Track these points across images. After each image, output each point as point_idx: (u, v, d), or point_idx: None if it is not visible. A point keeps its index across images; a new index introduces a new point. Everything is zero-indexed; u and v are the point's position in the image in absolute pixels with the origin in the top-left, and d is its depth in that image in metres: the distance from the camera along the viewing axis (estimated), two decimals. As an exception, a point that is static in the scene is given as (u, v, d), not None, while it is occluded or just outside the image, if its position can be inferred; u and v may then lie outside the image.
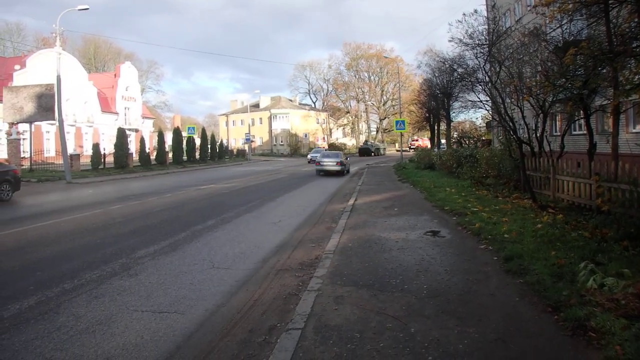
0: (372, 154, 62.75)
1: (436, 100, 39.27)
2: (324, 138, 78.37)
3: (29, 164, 27.87)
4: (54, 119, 28.36)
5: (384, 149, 71.82)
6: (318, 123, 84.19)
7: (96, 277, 6.31)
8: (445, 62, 23.55)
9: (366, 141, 70.01)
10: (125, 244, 8.34)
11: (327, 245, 7.89)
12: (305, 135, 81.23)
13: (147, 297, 5.51)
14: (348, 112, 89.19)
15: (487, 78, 12.73)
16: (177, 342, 4.32)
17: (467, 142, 27.01)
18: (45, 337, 4.40)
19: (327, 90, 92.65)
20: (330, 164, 26.68)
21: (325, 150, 33.38)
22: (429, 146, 70.74)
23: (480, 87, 13.59)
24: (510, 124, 11.50)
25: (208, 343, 4.30)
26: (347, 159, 29.66)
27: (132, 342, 4.31)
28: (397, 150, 61.76)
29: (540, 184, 11.39)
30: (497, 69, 12.67)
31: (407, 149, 74.47)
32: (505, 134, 13.15)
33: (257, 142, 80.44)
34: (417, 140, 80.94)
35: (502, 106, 11.62)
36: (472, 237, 7.93)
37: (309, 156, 30.50)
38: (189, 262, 7.11)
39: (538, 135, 11.93)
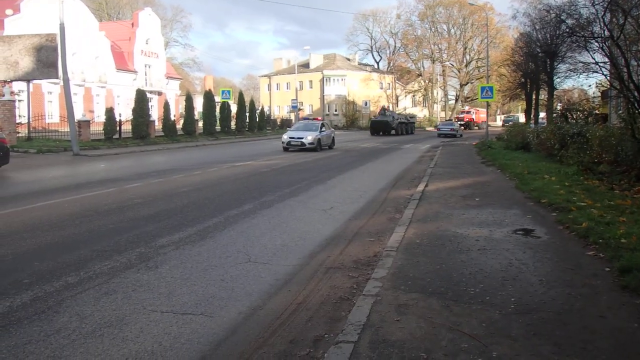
0: (394, 131, 53.67)
1: (535, 62, 38.15)
2: (388, 107, 77.50)
3: (26, 131, 28.66)
4: (57, 77, 28.99)
5: (414, 124, 63.04)
6: (382, 88, 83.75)
7: (107, 269, 6.51)
8: (550, 11, 22.82)
9: (385, 109, 58.78)
10: (144, 230, 8.60)
11: (389, 241, 7.85)
12: (366, 104, 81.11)
13: (169, 295, 5.66)
14: (420, 76, 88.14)
15: (606, 32, 12.22)
16: (203, 351, 4.40)
17: (574, 116, 26.10)
18: (41, 342, 4.49)
19: (395, 47, 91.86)
20: (300, 139, 28.59)
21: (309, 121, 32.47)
22: (484, 120, 68.80)
23: (596, 44, 13.09)
24: (636, 94, 11.02)
25: (240, 354, 4.37)
26: (330, 132, 32.03)
27: (148, 349, 4.40)
28: (436, 128, 60.53)
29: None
30: (622, 20, 12.10)
31: (454, 122, 69.61)
32: (628, 107, 12.61)
33: (306, 111, 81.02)
34: (468, 112, 79.23)
35: (625, 70, 11.15)
36: (576, 239, 7.67)
37: (284, 137, 29.46)
38: (220, 254, 7.26)
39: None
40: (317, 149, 28.74)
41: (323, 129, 30.47)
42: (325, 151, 28.91)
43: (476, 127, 74.39)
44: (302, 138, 28.57)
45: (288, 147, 28.60)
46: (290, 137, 29.03)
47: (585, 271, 6.19)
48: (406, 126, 57.40)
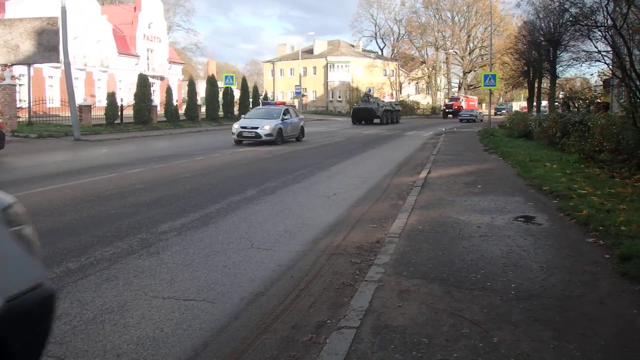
0: (378, 119, 48.94)
1: (539, 50, 38.06)
2: (391, 94, 76.93)
3: (27, 116, 28.48)
4: (58, 61, 28.68)
5: (399, 112, 57.64)
6: (385, 75, 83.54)
7: (108, 255, 6.51)
8: (554, 0, 22.64)
9: (368, 95, 54.17)
10: (146, 216, 8.61)
11: (392, 227, 7.86)
12: (369, 90, 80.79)
13: (170, 281, 5.67)
14: (424, 63, 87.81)
15: (609, 21, 12.16)
16: (205, 337, 4.41)
17: (576, 104, 26.04)
18: (41, 328, 4.54)
19: (399, 34, 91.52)
20: (255, 129, 22.91)
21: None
22: (474, 107, 66.72)
23: (599, 33, 13.03)
24: (638, 83, 10.99)
25: (242, 340, 4.38)
26: (297, 120, 26.53)
27: (150, 335, 4.41)
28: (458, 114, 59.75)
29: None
30: (625, 10, 12.04)
31: (444, 109, 70.43)
32: (630, 96, 12.58)
33: (310, 97, 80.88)
34: (457, 98, 75.10)
35: (627, 59, 11.11)
36: (577, 227, 7.67)
37: (235, 126, 23.78)
38: (223, 240, 7.27)
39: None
40: (278, 141, 23.14)
41: (287, 116, 24.81)
42: (330, 136, 28.74)
43: None
44: (256, 128, 22.70)
45: (240, 140, 23.03)
46: (242, 127, 23.09)
47: (586, 258, 6.20)
48: (391, 114, 52.35)
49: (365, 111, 48.33)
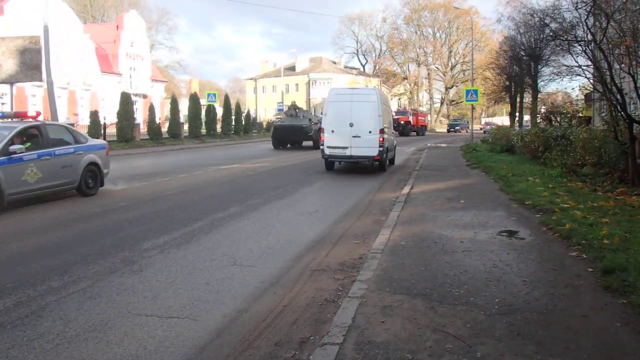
0: (311, 140, 32.98)
1: (520, 65, 38.52)
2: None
3: (10, 135, 28.34)
4: (40, 80, 28.32)
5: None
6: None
7: (91, 273, 6.48)
8: (534, 15, 23.01)
9: (295, 108, 35.73)
10: (129, 234, 8.57)
11: (374, 243, 7.88)
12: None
13: (153, 298, 5.65)
14: (406, 79, 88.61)
15: (589, 36, 12.34)
16: (188, 354, 4.40)
17: (558, 119, 26.35)
18: (24, 346, 4.48)
19: (380, 50, 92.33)
20: None
21: None
22: (423, 124, 60.83)
23: (579, 47, 13.20)
24: (618, 97, 11.14)
25: (225, 357, 4.37)
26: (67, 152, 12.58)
27: (133, 353, 4.40)
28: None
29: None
30: (604, 24, 12.24)
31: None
32: (611, 109, 12.73)
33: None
34: (404, 112, 64.89)
35: (608, 73, 11.26)
36: (560, 241, 7.74)
37: None
38: (205, 258, 7.25)
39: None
40: None
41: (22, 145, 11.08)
42: (312, 153, 28.51)
43: (414, 134, 61.76)
44: None
45: None
46: None
47: (569, 272, 6.25)
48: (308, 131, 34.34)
49: (291, 130, 32.91)
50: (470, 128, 38.59)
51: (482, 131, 63.57)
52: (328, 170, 18.76)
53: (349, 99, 18.08)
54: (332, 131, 17.94)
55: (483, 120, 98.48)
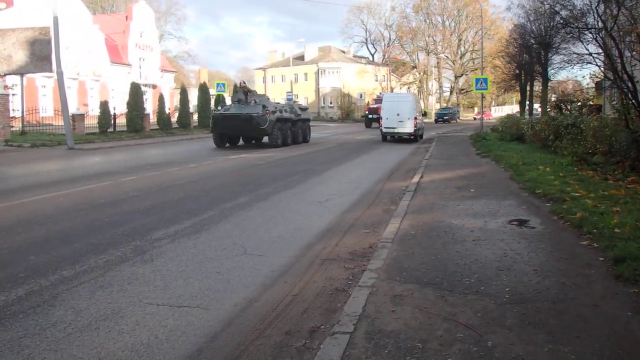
0: (266, 136, 25.86)
1: (530, 53, 38.23)
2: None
3: (20, 125, 28.42)
4: (50, 71, 28.55)
5: (309, 121, 31.09)
6: (377, 80, 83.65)
7: (102, 262, 6.50)
8: (545, 3, 22.79)
9: (246, 91, 26.70)
10: (139, 224, 8.59)
11: (385, 232, 7.86)
12: (361, 96, 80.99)
13: (164, 287, 5.66)
14: (415, 68, 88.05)
15: (599, 23, 12.22)
16: (199, 343, 4.41)
17: (568, 107, 26.15)
18: (37, 335, 4.49)
19: (389, 39, 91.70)
20: None
21: None
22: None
23: (590, 35, 13.10)
24: (630, 85, 11.04)
25: (236, 346, 4.38)
26: None
27: (144, 342, 4.41)
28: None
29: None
30: (615, 11, 12.11)
31: (366, 113, 52.32)
32: (622, 97, 12.63)
33: (301, 103, 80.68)
34: (380, 99, 48.09)
35: (618, 61, 11.16)
36: (570, 229, 7.69)
37: None
38: (216, 247, 7.26)
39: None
40: None
41: None
42: (321, 142, 28.55)
43: None
44: None
45: None
46: None
47: (579, 261, 6.21)
48: (294, 127, 27.92)
49: (237, 121, 24.94)
50: (481, 117, 38.28)
51: (474, 120, 61.47)
52: (383, 141, 30.04)
53: (396, 100, 31.18)
54: (387, 118, 29.70)
55: (492, 109, 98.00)
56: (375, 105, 50.64)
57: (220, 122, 25.18)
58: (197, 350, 4.28)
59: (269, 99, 28.47)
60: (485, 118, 68.93)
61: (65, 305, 5.13)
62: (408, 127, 29.10)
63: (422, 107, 44.34)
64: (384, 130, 29.79)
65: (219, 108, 29.99)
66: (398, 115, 29.15)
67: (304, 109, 31.23)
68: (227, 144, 26.35)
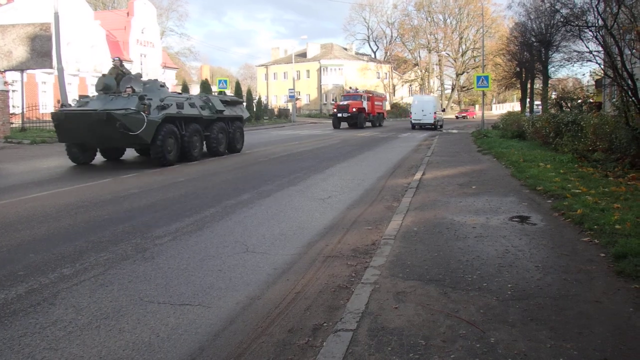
0: (145, 144, 15.65)
1: (530, 51, 38.21)
2: (384, 96, 76.54)
3: (20, 122, 28.31)
4: (51, 67, 28.47)
5: (242, 120, 21.58)
6: (379, 78, 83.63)
7: (103, 260, 6.47)
8: (545, 1, 22.72)
9: (120, 72, 17.50)
10: (140, 221, 8.57)
11: (387, 229, 7.84)
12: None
13: (165, 285, 5.64)
14: (417, 65, 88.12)
15: (600, 21, 12.19)
16: (201, 341, 4.39)
17: (569, 104, 26.12)
18: (37, 334, 4.47)
19: (391, 36, 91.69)
20: None
21: None
22: (380, 111, 50.16)
23: (590, 33, 13.06)
24: (630, 82, 11.01)
25: (238, 344, 4.35)
26: None
27: (145, 340, 4.38)
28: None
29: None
30: (615, 10, 12.08)
31: (334, 112, 45.49)
32: (622, 95, 12.60)
33: (303, 100, 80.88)
34: (357, 96, 46.81)
35: (618, 59, 11.13)
36: (571, 226, 7.67)
37: None
38: (218, 244, 7.24)
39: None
40: None
41: None
42: (324, 139, 28.52)
43: (369, 124, 47.96)
44: None
45: None
46: None
47: (581, 257, 6.19)
48: (207, 131, 18.63)
49: (87, 123, 14.96)
50: (482, 114, 38.32)
51: (456, 119, 64.52)
52: (412, 129, 42.53)
53: (422, 100, 45.34)
54: (415, 113, 43.74)
55: (493, 107, 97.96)
56: (345, 102, 44.81)
57: (64, 124, 15.50)
58: (198, 348, 4.26)
59: (163, 85, 17.83)
60: (468, 117, 69.22)
61: (65, 304, 5.10)
62: (429, 119, 42.79)
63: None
64: (413, 121, 43.64)
65: (72, 103, 17.65)
66: (422, 111, 43.04)
67: (232, 102, 20.92)
68: (76, 162, 16.51)
